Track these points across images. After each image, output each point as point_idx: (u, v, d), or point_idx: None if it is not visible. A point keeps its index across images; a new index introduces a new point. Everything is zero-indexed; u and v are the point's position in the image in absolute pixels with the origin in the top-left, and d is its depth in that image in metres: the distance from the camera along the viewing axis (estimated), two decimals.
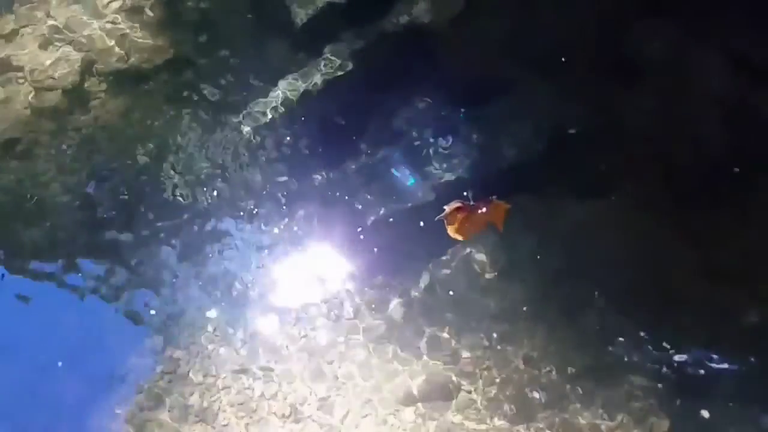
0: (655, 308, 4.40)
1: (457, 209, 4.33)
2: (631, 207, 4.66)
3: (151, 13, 5.45)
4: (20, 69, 5.27)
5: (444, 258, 4.61)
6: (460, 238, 4.37)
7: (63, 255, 4.74)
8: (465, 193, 4.53)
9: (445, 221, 4.37)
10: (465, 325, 4.44)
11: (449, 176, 4.85)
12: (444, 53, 5.26)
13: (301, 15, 5.41)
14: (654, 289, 4.44)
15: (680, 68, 5.04)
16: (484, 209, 4.36)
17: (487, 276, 4.56)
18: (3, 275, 4.68)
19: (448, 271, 4.58)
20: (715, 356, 4.25)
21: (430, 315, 4.49)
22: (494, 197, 4.39)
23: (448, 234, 4.39)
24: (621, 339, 4.33)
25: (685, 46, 5.08)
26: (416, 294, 4.54)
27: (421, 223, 4.68)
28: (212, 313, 4.51)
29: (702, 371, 4.23)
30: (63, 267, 4.70)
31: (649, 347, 4.31)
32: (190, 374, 4.34)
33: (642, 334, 4.34)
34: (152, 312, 4.55)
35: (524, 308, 4.46)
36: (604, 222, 4.64)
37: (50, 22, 5.43)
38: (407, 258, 4.64)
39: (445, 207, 4.39)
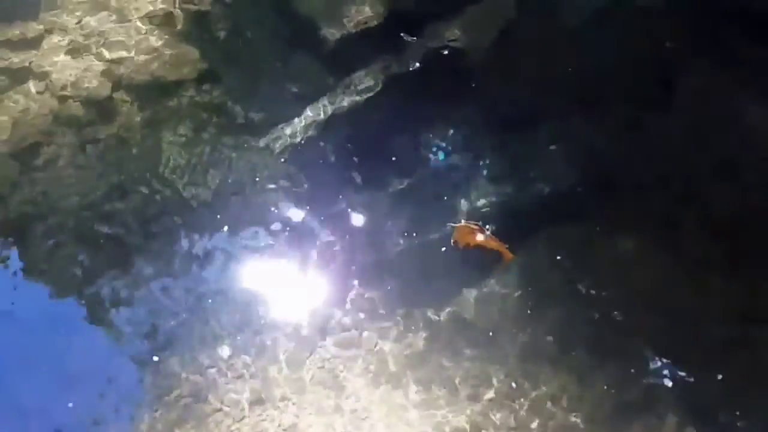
0: (686, 353, 4.24)
1: (473, 229, 4.61)
2: (665, 247, 4.54)
3: (180, 28, 5.46)
4: (45, 77, 5.25)
5: (470, 290, 4.47)
6: (459, 244, 4.58)
7: (79, 271, 4.60)
8: (486, 226, 4.63)
9: (455, 230, 4.60)
10: (490, 362, 4.25)
11: (477, 204, 4.77)
12: (476, 79, 5.28)
13: (332, 37, 5.40)
14: (685, 333, 4.29)
15: (721, 108, 5.02)
16: (493, 243, 4.55)
17: (515, 310, 4.40)
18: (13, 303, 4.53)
19: (474, 303, 4.43)
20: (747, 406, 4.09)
21: (453, 349, 4.30)
22: (507, 246, 4.54)
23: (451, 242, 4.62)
24: (649, 383, 4.17)
25: (726, 86, 5.07)
26: (440, 326, 4.37)
27: (443, 248, 4.59)
28: (229, 342, 4.33)
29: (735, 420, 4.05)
30: (79, 284, 4.55)
31: (679, 394, 4.13)
32: (208, 400, 4.21)
33: (671, 380, 4.17)
34: (169, 333, 4.38)
35: (552, 346, 4.27)
36: (638, 261, 4.51)
37: (77, 31, 5.42)
38: (431, 288, 4.51)
39: (463, 220, 4.64)
